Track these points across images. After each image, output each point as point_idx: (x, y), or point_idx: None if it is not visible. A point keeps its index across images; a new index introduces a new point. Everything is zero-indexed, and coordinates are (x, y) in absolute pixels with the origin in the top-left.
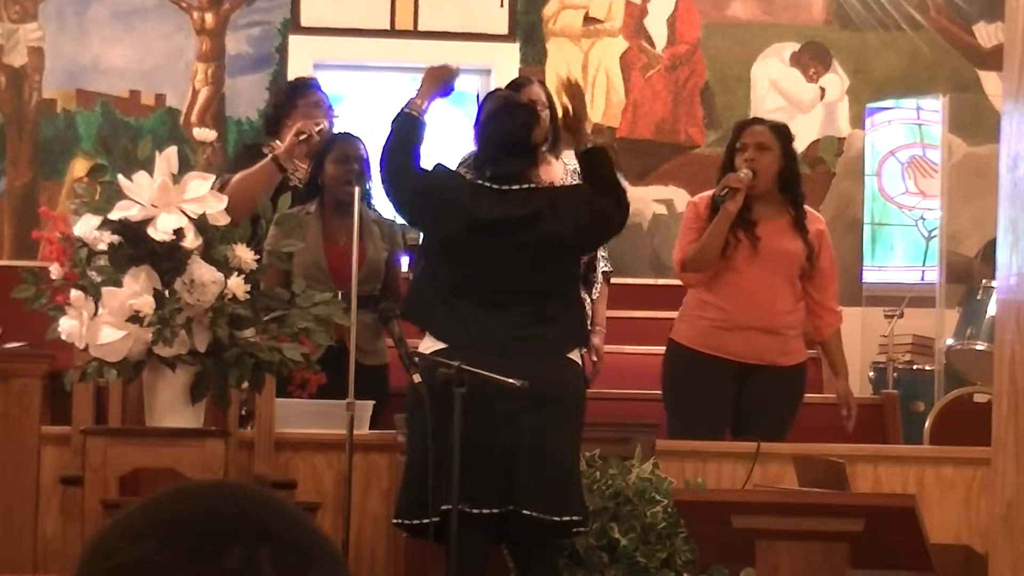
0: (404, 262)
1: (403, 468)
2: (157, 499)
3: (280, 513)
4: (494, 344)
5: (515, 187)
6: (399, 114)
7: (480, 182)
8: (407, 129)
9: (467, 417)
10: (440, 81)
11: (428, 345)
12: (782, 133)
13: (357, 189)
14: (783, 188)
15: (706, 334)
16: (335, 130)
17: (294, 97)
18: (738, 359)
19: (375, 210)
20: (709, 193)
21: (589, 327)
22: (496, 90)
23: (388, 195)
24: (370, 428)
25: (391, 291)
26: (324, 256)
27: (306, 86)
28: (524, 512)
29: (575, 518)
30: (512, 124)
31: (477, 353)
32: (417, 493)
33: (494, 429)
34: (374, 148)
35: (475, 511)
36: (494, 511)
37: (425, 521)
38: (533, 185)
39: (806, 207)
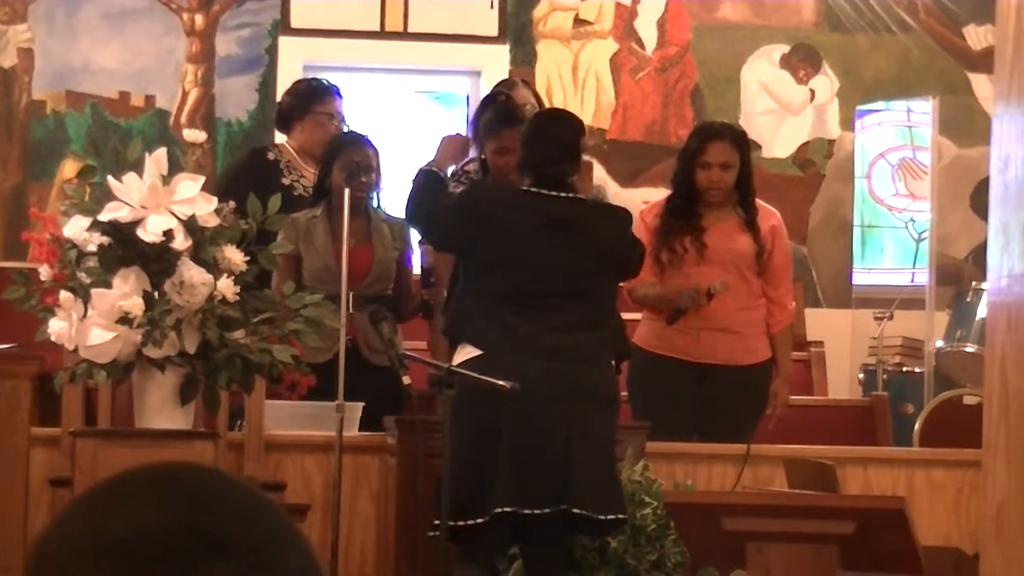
0: (415, 261)
1: (446, 471)
2: (102, 507)
3: (238, 513)
4: (538, 349)
5: (560, 194)
6: (420, 170)
7: (525, 188)
8: (430, 181)
9: (519, 419)
10: (458, 150)
11: (467, 352)
12: (742, 145)
13: (347, 190)
14: (735, 187)
15: (662, 336)
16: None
17: (310, 102)
18: (697, 359)
19: (384, 211)
20: (660, 201)
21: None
22: (507, 104)
23: (429, 237)
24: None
25: (402, 290)
26: (334, 258)
27: (324, 91)
28: (575, 511)
29: (620, 516)
30: (560, 131)
31: (516, 358)
32: (465, 495)
33: (546, 430)
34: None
35: (526, 511)
36: (545, 511)
37: (471, 522)
38: (578, 195)
39: (760, 203)
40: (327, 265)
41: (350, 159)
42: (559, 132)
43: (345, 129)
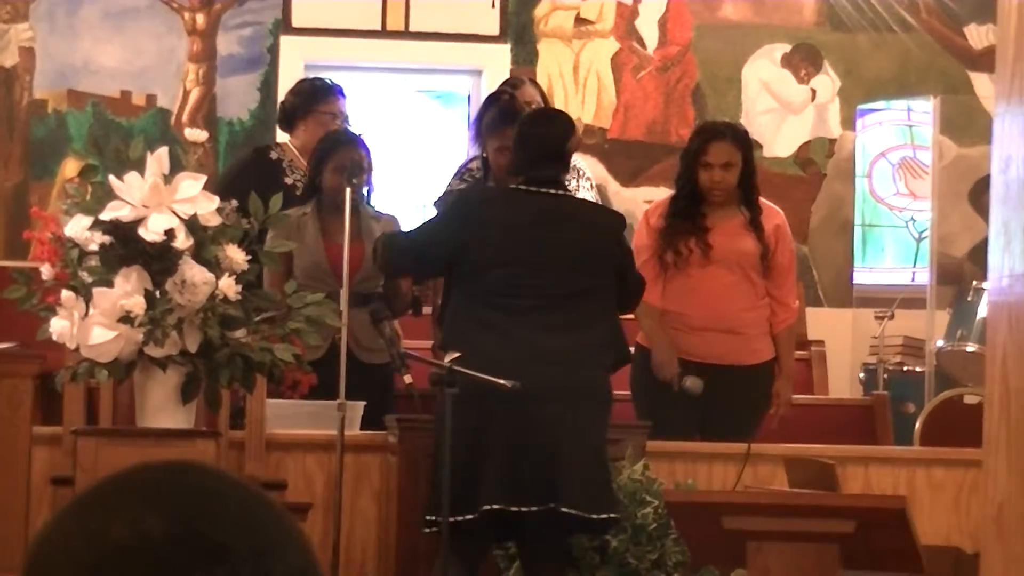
0: None
1: (435, 468)
2: (101, 510)
3: (238, 514)
4: (534, 350)
5: (550, 191)
6: (378, 240)
7: (513, 187)
8: (393, 235)
9: (513, 418)
10: None
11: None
12: (744, 144)
13: (348, 190)
14: (738, 186)
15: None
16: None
17: (314, 101)
18: (701, 360)
19: (373, 208)
20: (663, 201)
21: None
22: (510, 103)
23: (422, 262)
24: (375, 428)
25: (393, 288)
26: (325, 256)
27: (328, 90)
28: (564, 510)
29: (613, 516)
30: (552, 130)
31: (513, 363)
32: (456, 492)
33: (538, 430)
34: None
35: (513, 509)
36: (533, 509)
37: (459, 519)
38: (566, 192)
39: (764, 201)
40: (317, 262)
41: (349, 159)
42: (549, 132)
43: (348, 128)
